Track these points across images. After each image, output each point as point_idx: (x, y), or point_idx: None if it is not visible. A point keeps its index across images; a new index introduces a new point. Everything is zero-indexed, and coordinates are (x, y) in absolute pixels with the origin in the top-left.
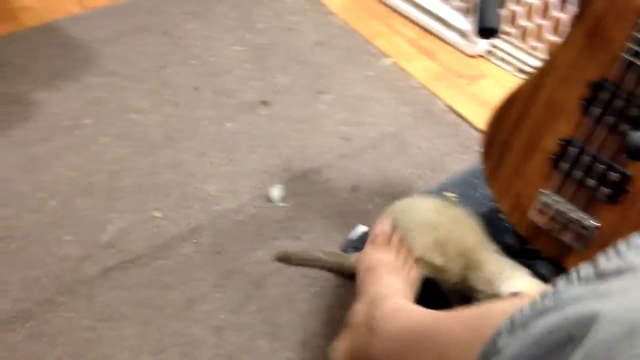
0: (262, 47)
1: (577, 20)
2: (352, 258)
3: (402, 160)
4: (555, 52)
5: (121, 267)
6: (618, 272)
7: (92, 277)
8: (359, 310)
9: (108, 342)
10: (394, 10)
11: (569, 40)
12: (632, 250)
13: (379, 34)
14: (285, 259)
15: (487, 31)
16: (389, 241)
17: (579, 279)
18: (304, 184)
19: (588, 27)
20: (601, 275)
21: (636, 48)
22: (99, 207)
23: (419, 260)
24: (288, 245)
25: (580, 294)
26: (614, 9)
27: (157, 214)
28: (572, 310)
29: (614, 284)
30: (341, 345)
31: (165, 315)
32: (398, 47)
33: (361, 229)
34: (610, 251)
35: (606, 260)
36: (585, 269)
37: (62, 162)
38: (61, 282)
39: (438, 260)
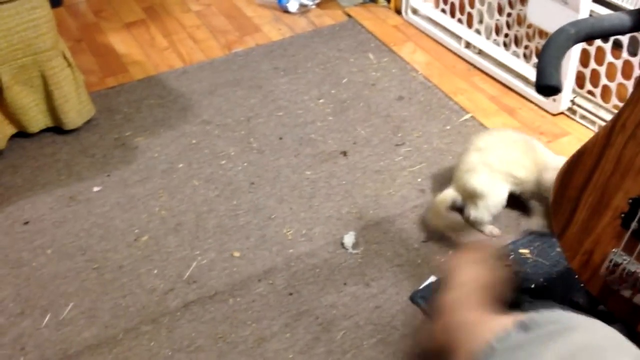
0: (345, 101)
1: None
2: None
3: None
4: (622, 110)
5: (201, 302)
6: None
7: (174, 309)
8: None
9: None
10: (476, 68)
11: (634, 98)
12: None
13: (459, 90)
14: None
15: (546, 89)
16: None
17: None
18: (376, 232)
19: None
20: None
21: None
22: (186, 244)
23: (506, 174)
24: (357, 291)
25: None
26: None
27: (237, 254)
28: None
29: None
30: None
31: (237, 350)
32: (478, 103)
33: (431, 279)
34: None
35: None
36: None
37: (156, 202)
38: (147, 313)
39: (520, 172)
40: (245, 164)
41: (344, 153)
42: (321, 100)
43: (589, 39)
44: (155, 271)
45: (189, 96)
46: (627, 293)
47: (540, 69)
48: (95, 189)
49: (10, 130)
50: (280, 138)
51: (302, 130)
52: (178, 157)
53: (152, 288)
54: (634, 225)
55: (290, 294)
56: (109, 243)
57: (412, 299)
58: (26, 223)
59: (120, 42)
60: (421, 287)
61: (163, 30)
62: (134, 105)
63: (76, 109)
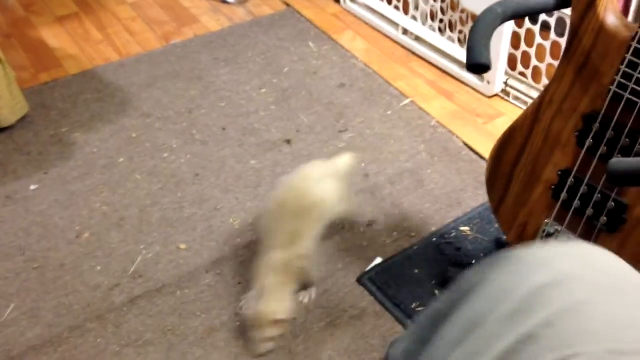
0: (287, 90)
1: (567, 56)
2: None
3: (419, 195)
4: (548, 86)
5: (147, 296)
6: None
7: (120, 305)
8: None
9: None
10: (414, 54)
11: (559, 74)
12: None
13: (399, 76)
14: None
15: (476, 67)
16: None
17: None
18: None
19: (577, 62)
20: None
21: (623, 81)
22: (130, 239)
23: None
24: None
25: None
26: (601, 44)
27: (183, 246)
28: None
29: None
30: None
31: (187, 342)
32: (417, 88)
33: (377, 261)
34: None
35: None
36: None
37: (97, 198)
38: (92, 310)
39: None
40: (189, 156)
41: (288, 141)
42: (263, 90)
43: (516, 17)
44: (99, 268)
45: (127, 89)
46: None
47: (469, 48)
48: (33, 187)
49: None
50: (224, 129)
51: (246, 120)
52: (118, 152)
53: (97, 285)
54: (563, 196)
55: (239, 283)
56: (49, 242)
57: (360, 281)
58: None
59: (53, 37)
60: (367, 269)
61: (97, 23)
62: (69, 101)
63: (9, 106)
